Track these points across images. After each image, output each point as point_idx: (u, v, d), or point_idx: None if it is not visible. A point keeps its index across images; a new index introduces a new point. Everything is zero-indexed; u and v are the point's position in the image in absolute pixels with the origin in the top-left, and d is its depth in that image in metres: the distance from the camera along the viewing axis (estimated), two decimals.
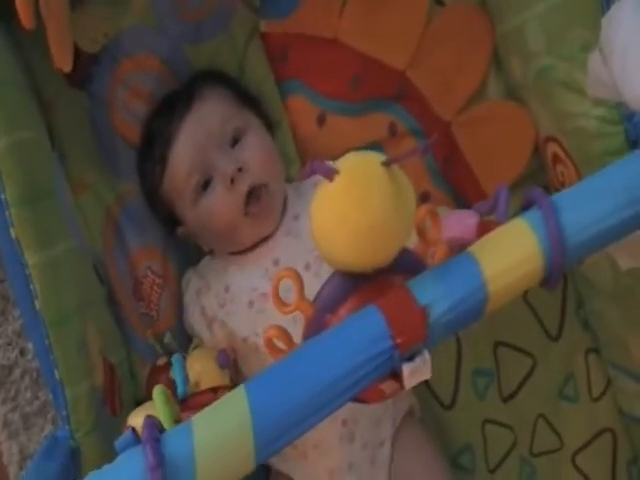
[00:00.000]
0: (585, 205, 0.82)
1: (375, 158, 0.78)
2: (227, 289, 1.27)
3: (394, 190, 0.77)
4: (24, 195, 1.03)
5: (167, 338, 1.29)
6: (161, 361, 1.25)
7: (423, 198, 1.40)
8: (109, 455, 0.76)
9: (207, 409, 0.76)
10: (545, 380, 1.48)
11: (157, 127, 1.28)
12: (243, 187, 1.22)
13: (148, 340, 1.28)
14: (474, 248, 0.82)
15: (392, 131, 1.41)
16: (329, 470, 1.25)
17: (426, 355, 0.80)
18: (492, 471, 1.45)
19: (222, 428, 0.73)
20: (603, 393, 1.49)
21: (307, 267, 1.20)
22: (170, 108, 1.27)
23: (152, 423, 0.74)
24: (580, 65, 1.14)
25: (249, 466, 0.74)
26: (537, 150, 1.41)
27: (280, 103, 1.41)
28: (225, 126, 1.24)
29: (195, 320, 1.29)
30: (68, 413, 1.05)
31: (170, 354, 1.21)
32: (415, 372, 0.79)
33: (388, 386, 0.87)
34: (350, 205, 0.77)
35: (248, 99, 1.33)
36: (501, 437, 1.46)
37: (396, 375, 0.80)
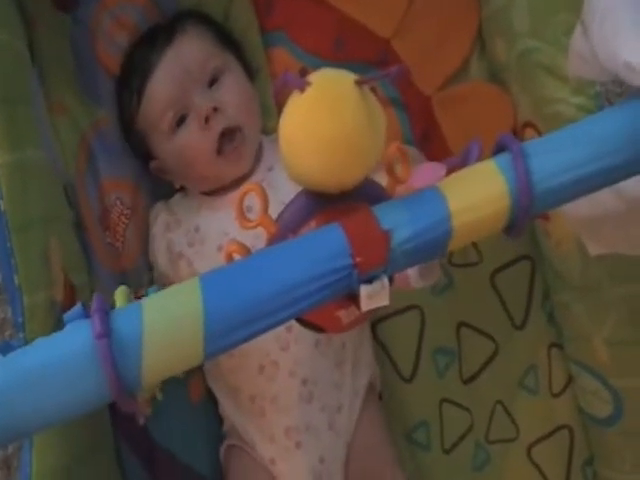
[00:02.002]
0: (555, 154, 0.84)
1: (348, 75, 0.80)
2: (197, 229, 1.29)
3: (365, 109, 0.79)
4: None
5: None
6: None
7: None
8: None
9: (159, 293, 0.78)
10: (506, 367, 1.49)
11: (137, 58, 1.30)
12: (217, 127, 1.24)
13: None
14: (441, 184, 0.84)
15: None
16: (286, 428, 1.27)
17: (385, 280, 0.81)
18: (447, 451, 1.47)
19: (173, 312, 0.75)
20: (564, 389, 1.51)
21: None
22: (151, 41, 1.29)
23: (102, 298, 0.76)
24: (563, 50, 1.16)
25: (198, 356, 0.75)
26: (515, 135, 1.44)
27: (262, 52, 1.43)
28: (205, 64, 1.27)
29: (160, 254, 1.31)
30: (24, 320, 1.05)
31: None
32: (373, 296, 0.80)
33: (345, 314, 0.90)
34: (320, 116, 0.78)
35: (230, 42, 1.36)
36: (458, 418, 1.47)
37: (354, 297, 0.82)
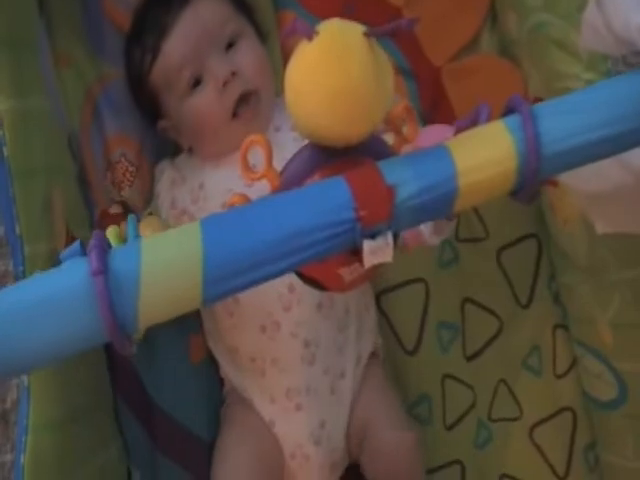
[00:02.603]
0: (565, 116, 0.83)
1: (357, 26, 0.80)
2: (202, 186, 1.29)
3: (373, 61, 0.78)
4: (2, 36, 1.04)
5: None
6: (114, 209, 1.27)
7: None
8: None
9: (159, 235, 0.78)
10: (510, 346, 1.50)
11: (151, 16, 1.29)
12: (235, 92, 1.24)
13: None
14: (449, 142, 0.84)
15: None
16: (286, 389, 1.27)
17: (389, 237, 0.80)
18: (449, 428, 1.46)
19: (172, 253, 0.74)
20: (567, 371, 1.51)
21: None
22: (166, 0, 1.28)
23: (100, 235, 0.75)
24: (576, 25, 1.16)
25: (196, 300, 0.75)
26: None
27: (273, 15, 1.43)
28: (223, 27, 1.26)
29: (164, 210, 1.30)
30: (24, 270, 1.06)
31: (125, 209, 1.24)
32: (376, 251, 0.80)
33: (347, 272, 0.89)
34: (327, 66, 0.77)
35: (244, 5, 1.35)
36: (461, 395, 1.47)
37: (357, 253, 0.81)
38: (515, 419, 1.51)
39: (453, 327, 1.47)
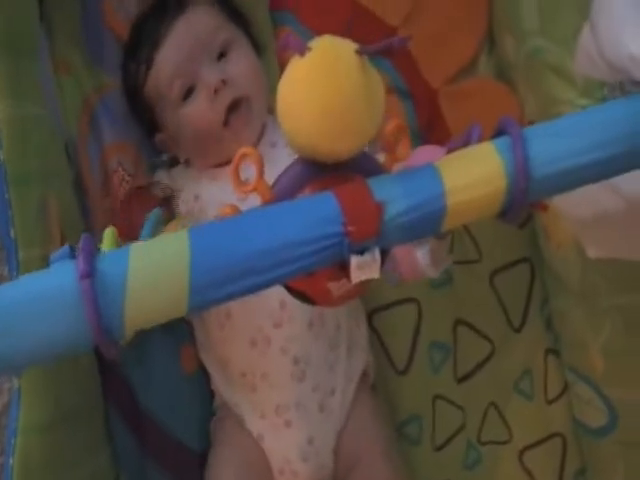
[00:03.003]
0: (555, 139, 0.84)
1: (349, 44, 0.81)
2: (197, 198, 1.31)
3: (365, 78, 0.79)
4: (1, 42, 1.06)
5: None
6: (142, 182, 1.31)
7: None
8: None
9: (148, 241, 0.79)
10: (501, 369, 1.50)
11: (147, 28, 1.31)
12: (225, 100, 1.25)
13: None
14: (438, 162, 0.84)
15: None
16: (276, 405, 1.27)
17: (376, 253, 0.81)
18: (438, 449, 1.47)
19: (159, 260, 0.75)
20: (558, 397, 1.51)
21: None
22: (162, 10, 1.30)
23: (89, 238, 0.76)
24: (572, 51, 1.16)
25: (181, 307, 0.76)
26: None
27: (271, 29, 1.45)
28: (215, 35, 1.28)
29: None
30: (18, 275, 1.07)
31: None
32: (363, 267, 0.81)
33: (336, 287, 0.90)
34: (317, 80, 0.78)
35: (239, 16, 1.37)
36: (451, 416, 1.48)
37: (344, 268, 0.82)
38: (505, 442, 1.51)
39: (445, 348, 1.48)
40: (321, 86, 0.78)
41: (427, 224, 0.83)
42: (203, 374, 1.38)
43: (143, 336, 1.25)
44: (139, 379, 1.33)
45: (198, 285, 0.75)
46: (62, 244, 1.07)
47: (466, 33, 1.47)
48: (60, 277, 0.74)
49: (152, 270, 0.75)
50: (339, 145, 0.82)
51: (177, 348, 1.37)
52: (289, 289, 0.92)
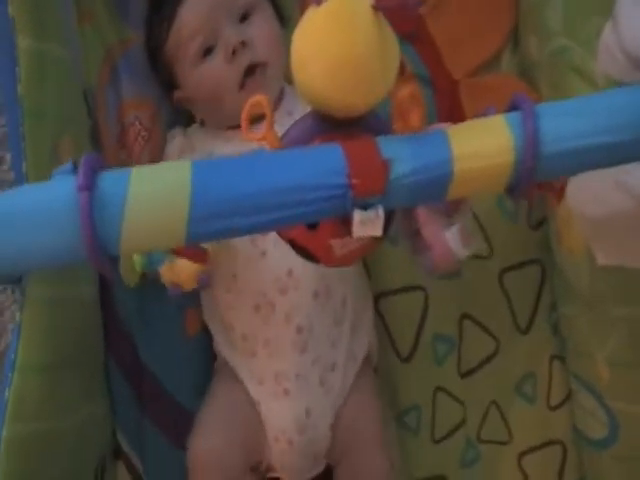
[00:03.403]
0: (567, 118, 0.85)
1: None
2: (211, 155, 1.32)
3: (378, 34, 0.81)
4: None
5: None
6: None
7: None
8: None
9: (148, 167, 0.81)
10: (505, 368, 1.49)
11: None
12: (243, 62, 1.26)
13: None
14: (449, 129, 0.86)
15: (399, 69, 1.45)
16: (276, 372, 1.29)
17: (380, 211, 0.83)
18: (437, 442, 1.47)
19: (161, 185, 0.78)
20: (561, 404, 1.50)
21: None
22: None
23: (94, 156, 0.78)
24: (594, 52, 1.17)
25: (180, 235, 0.78)
26: None
27: (296, 2, 1.45)
28: None
29: None
30: None
31: None
32: (366, 222, 0.82)
33: (338, 245, 0.92)
34: (331, 33, 0.80)
35: None
36: (451, 410, 1.47)
37: (347, 223, 0.83)
38: (504, 443, 1.50)
39: (450, 341, 1.47)
40: (335, 37, 0.80)
41: (433, 188, 0.85)
42: (205, 337, 1.39)
43: (148, 295, 1.29)
44: (142, 337, 1.35)
45: (197, 215, 0.77)
46: None
47: (492, 28, 1.47)
48: (59, 188, 0.77)
49: (153, 194, 0.77)
50: (350, 98, 0.83)
51: (182, 310, 1.39)
52: (292, 244, 0.93)
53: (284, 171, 0.80)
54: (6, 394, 1.01)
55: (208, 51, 1.28)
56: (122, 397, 1.32)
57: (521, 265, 1.49)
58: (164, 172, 0.80)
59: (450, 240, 1.11)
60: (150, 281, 1.26)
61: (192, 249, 0.94)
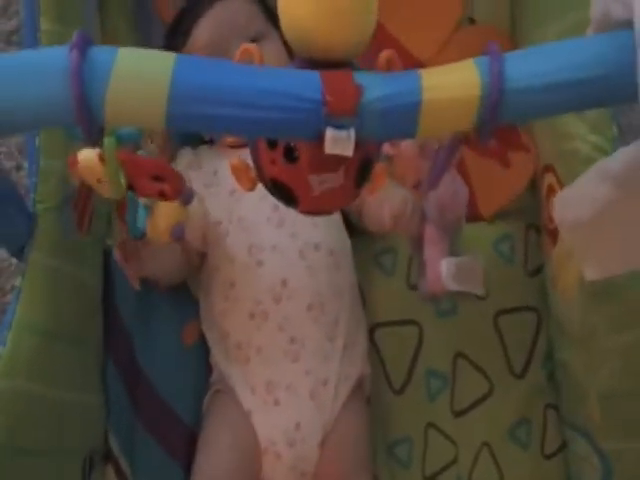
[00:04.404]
0: (531, 59, 0.89)
1: None
2: (215, 173, 1.39)
3: None
4: None
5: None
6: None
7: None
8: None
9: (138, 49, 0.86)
10: (498, 411, 1.48)
11: (189, 9, 1.45)
12: None
13: None
14: (420, 70, 0.91)
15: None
16: (267, 381, 1.30)
17: (352, 133, 0.86)
18: (427, 478, 1.45)
19: (146, 62, 0.82)
20: (556, 453, 1.48)
21: None
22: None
23: (86, 34, 0.83)
24: None
25: (160, 113, 0.82)
26: (533, 187, 1.54)
27: None
28: (250, 22, 1.40)
29: None
30: (36, 181, 1.15)
31: None
32: (337, 141, 0.86)
33: (316, 181, 0.96)
34: None
35: (276, 18, 1.49)
36: (443, 448, 1.46)
37: (320, 143, 0.87)
38: None
39: (443, 378, 1.47)
40: None
41: (403, 117, 0.88)
42: (202, 348, 1.42)
43: (151, 302, 1.33)
44: (141, 341, 1.39)
45: (177, 95, 0.81)
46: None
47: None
48: (53, 51, 0.82)
49: (138, 67, 0.82)
50: (334, 39, 0.88)
51: (181, 323, 1.43)
52: (274, 184, 0.97)
53: (264, 77, 0.85)
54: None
55: None
56: (117, 398, 1.35)
57: (517, 310, 1.51)
58: (151, 54, 0.84)
59: (443, 269, 1.14)
60: (153, 288, 1.35)
61: (172, 170, 1.01)
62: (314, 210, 1.00)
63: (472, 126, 0.91)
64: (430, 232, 1.23)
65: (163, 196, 1.05)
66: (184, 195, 1.11)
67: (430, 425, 1.46)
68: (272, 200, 1.26)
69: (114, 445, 1.35)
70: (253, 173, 1.01)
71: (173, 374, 1.39)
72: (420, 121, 0.89)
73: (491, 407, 1.48)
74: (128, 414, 1.37)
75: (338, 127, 0.86)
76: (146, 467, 1.35)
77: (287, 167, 0.95)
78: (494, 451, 1.47)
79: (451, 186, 1.22)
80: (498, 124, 0.90)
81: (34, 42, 1.17)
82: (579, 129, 1.26)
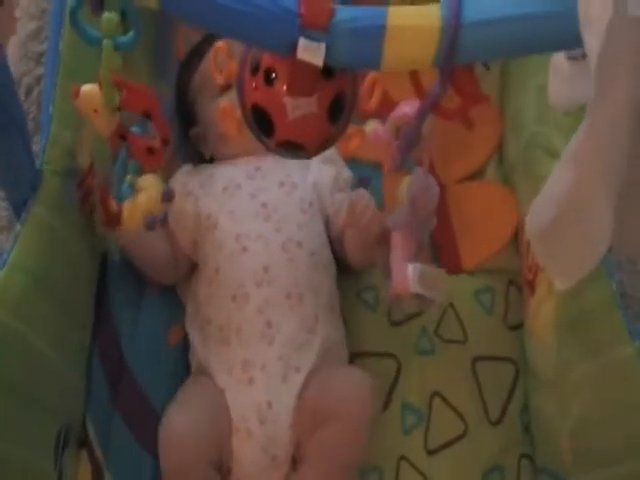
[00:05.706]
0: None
1: None
2: (212, 176, 1.49)
3: None
4: None
5: None
6: None
7: None
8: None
9: None
10: (473, 455, 1.45)
11: (203, 40, 1.59)
12: None
13: None
14: None
15: None
16: (244, 360, 1.34)
17: (322, 46, 0.95)
18: None
19: None
20: None
21: (281, 184, 1.45)
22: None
23: None
24: (561, 130, 1.33)
25: None
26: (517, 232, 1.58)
27: None
28: None
29: (175, 187, 1.40)
30: (46, 144, 1.22)
31: None
32: (308, 50, 0.94)
33: (291, 104, 1.04)
34: None
35: None
36: None
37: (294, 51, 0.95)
38: None
39: (418, 414, 1.46)
40: None
41: (368, 40, 0.97)
42: (184, 349, 1.47)
43: (142, 302, 1.38)
44: (128, 336, 1.42)
45: None
46: (89, 168, 1.30)
47: (479, 146, 1.67)
48: None
49: None
50: None
51: (168, 325, 1.48)
52: (254, 110, 1.05)
53: None
54: None
55: (225, 88, 1.46)
56: (98, 385, 1.36)
57: (495, 359, 1.52)
58: None
59: (410, 272, 1.21)
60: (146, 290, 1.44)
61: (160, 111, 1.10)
62: (289, 137, 1.06)
63: (433, 60, 0.98)
64: (397, 238, 1.29)
65: (151, 153, 1.13)
66: (164, 193, 1.21)
67: (403, 458, 1.43)
68: (261, 198, 1.36)
69: (91, 431, 1.35)
70: (238, 114, 1.08)
71: (155, 371, 1.41)
72: (384, 47, 0.97)
73: (466, 449, 1.45)
74: (107, 402, 1.37)
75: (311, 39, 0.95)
76: (120, 454, 1.35)
77: (266, 90, 1.03)
78: None
79: (423, 180, 1.28)
80: (457, 60, 0.98)
81: (60, 19, 1.28)
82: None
